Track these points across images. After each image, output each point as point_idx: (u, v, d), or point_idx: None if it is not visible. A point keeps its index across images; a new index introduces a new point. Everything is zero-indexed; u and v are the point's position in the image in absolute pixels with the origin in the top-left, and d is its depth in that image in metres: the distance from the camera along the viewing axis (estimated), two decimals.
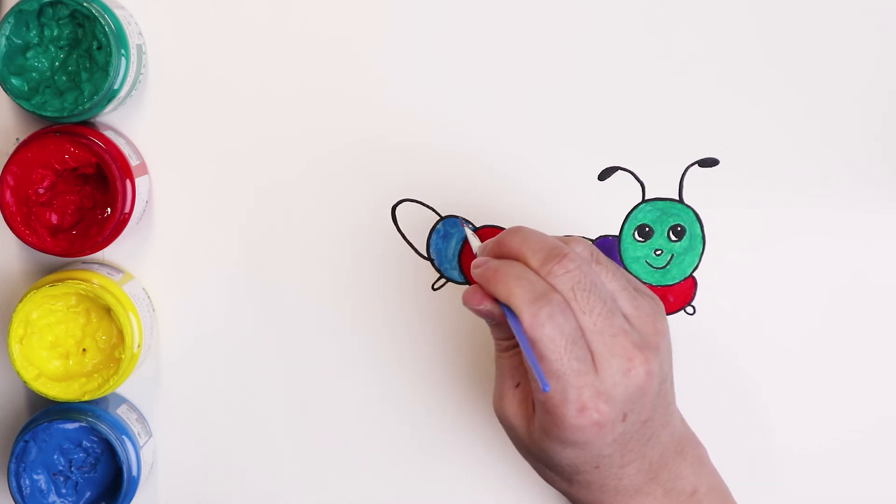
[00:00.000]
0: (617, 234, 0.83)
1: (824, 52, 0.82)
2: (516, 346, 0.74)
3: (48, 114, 0.77)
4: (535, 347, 0.69)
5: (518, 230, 0.73)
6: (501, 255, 0.73)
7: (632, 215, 0.83)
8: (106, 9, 0.77)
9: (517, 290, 0.70)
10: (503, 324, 0.73)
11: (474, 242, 0.78)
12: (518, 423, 0.73)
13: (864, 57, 0.82)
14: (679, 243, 0.83)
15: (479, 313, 0.73)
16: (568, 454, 0.72)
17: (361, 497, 0.85)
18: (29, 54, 0.78)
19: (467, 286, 0.83)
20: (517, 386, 0.74)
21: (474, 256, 0.83)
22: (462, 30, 0.82)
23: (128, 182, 0.79)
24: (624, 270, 0.74)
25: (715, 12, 0.81)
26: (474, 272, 0.73)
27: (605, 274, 0.72)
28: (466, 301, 0.73)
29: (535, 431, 0.72)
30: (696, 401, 0.83)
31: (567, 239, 0.73)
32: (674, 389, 0.75)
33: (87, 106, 0.77)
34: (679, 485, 0.75)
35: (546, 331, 0.69)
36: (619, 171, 0.83)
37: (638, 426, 0.72)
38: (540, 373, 0.68)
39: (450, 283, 0.83)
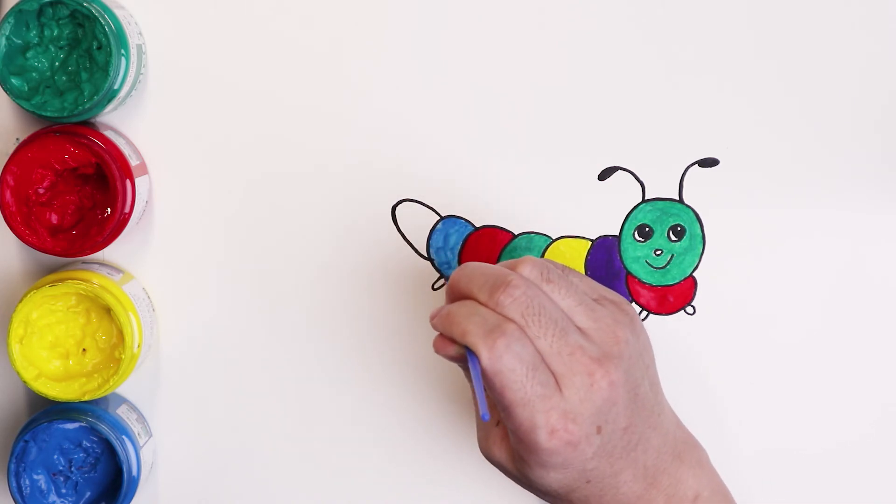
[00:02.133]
0: (617, 234, 0.83)
1: (824, 53, 0.82)
2: None
3: (48, 114, 0.77)
4: (497, 379, 0.70)
5: (463, 268, 0.73)
6: (454, 295, 0.73)
7: (632, 215, 0.83)
8: (106, 9, 0.77)
9: (470, 327, 0.71)
10: (470, 367, 0.73)
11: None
12: (504, 459, 0.74)
13: (863, 57, 0.82)
14: (679, 243, 0.83)
15: (452, 359, 0.73)
16: (554, 477, 0.72)
17: (361, 497, 0.85)
18: (29, 54, 0.78)
19: None
20: (497, 424, 0.74)
21: (474, 256, 0.83)
22: (462, 30, 0.82)
23: (128, 182, 0.79)
24: (584, 278, 0.74)
25: (715, 13, 0.81)
26: (432, 322, 0.73)
27: (558, 291, 0.72)
28: (437, 349, 0.73)
29: (518, 465, 0.73)
30: (695, 400, 0.83)
31: (515, 263, 0.73)
32: (659, 393, 0.74)
33: (87, 106, 0.77)
34: (681, 490, 0.74)
35: (505, 362, 0.70)
36: (619, 171, 0.83)
37: (619, 434, 0.72)
38: (483, 401, 0.69)
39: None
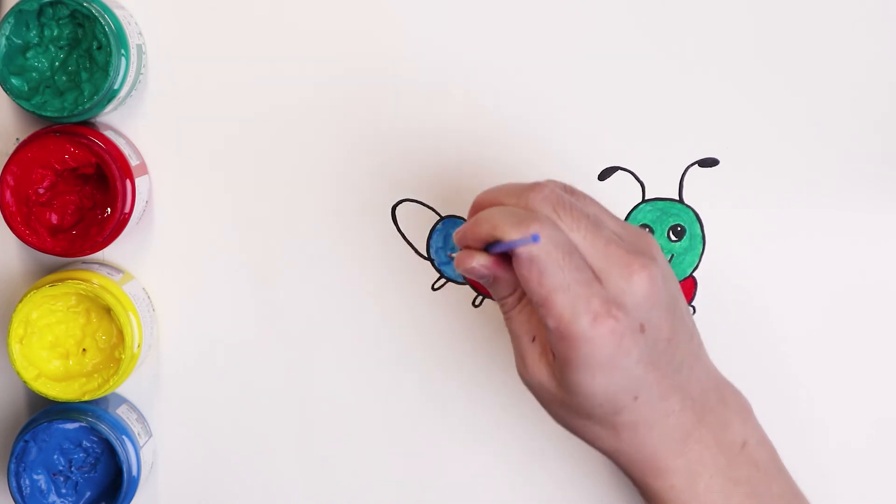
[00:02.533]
0: None
1: (824, 52, 0.82)
2: (522, 298, 0.72)
3: (48, 114, 0.77)
4: (534, 266, 0.67)
5: (486, 190, 0.72)
6: (478, 208, 0.72)
7: (632, 215, 0.83)
8: (106, 9, 0.77)
9: (500, 220, 0.68)
10: (502, 278, 0.71)
11: None
12: (544, 377, 0.71)
13: (863, 56, 0.82)
14: (679, 243, 0.83)
15: (474, 272, 0.70)
16: (600, 383, 0.69)
17: (362, 497, 0.85)
18: (29, 54, 0.78)
19: (467, 286, 0.83)
20: (533, 340, 0.71)
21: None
22: (462, 30, 0.82)
23: (128, 182, 0.79)
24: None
25: (715, 12, 0.81)
26: (456, 237, 0.71)
27: (583, 199, 0.71)
28: (459, 264, 0.71)
29: (561, 374, 0.70)
30: None
31: (536, 182, 0.71)
32: (694, 325, 0.73)
33: (87, 106, 0.77)
34: (729, 434, 0.72)
35: (541, 244, 0.67)
36: (619, 171, 0.83)
37: (662, 344, 0.70)
38: (520, 241, 0.66)
39: (450, 283, 0.83)
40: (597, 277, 0.68)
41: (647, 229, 0.83)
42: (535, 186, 0.70)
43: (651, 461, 0.72)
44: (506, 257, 0.70)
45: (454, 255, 0.80)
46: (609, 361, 0.68)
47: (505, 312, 0.73)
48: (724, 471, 0.72)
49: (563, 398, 0.71)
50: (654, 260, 0.70)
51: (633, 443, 0.72)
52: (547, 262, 0.67)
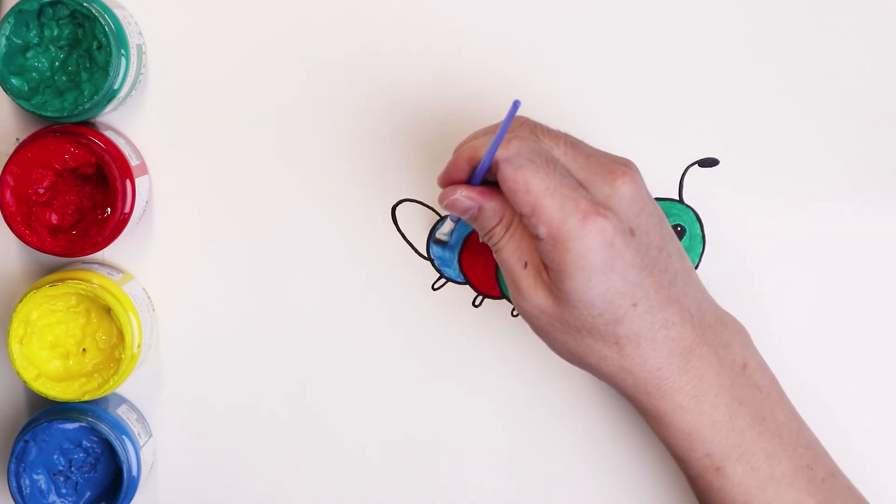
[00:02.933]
0: None
1: (824, 52, 0.82)
2: (510, 226, 0.72)
3: (48, 114, 0.77)
4: (519, 175, 0.69)
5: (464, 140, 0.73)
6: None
7: None
8: (106, 9, 0.77)
9: (479, 144, 0.70)
10: (487, 206, 0.71)
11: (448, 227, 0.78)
12: (541, 299, 0.71)
13: (864, 56, 0.82)
14: None
15: (458, 205, 0.71)
16: (596, 287, 0.69)
17: (362, 497, 0.85)
18: (29, 54, 0.78)
19: (467, 286, 0.83)
20: (525, 266, 0.72)
21: (474, 256, 0.83)
22: (462, 30, 0.82)
23: (128, 182, 0.79)
24: None
25: (715, 12, 0.81)
26: (439, 178, 0.73)
27: (555, 131, 0.73)
28: (443, 199, 0.72)
29: (557, 287, 0.70)
30: None
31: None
32: (682, 249, 0.74)
33: (87, 106, 0.77)
34: (729, 354, 0.73)
35: (523, 152, 0.69)
36: None
37: (654, 252, 0.71)
38: (500, 136, 0.68)
39: (450, 283, 0.83)
40: (581, 185, 0.70)
41: None
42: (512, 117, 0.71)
43: (656, 378, 0.72)
44: (489, 187, 0.71)
45: (440, 234, 0.80)
46: (603, 263, 0.69)
47: (494, 244, 0.73)
48: (728, 390, 0.73)
49: (562, 316, 0.71)
50: (634, 171, 0.71)
51: (637, 359, 0.72)
52: (531, 169, 0.68)
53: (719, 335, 0.73)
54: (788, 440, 0.74)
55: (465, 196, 0.71)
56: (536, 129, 0.71)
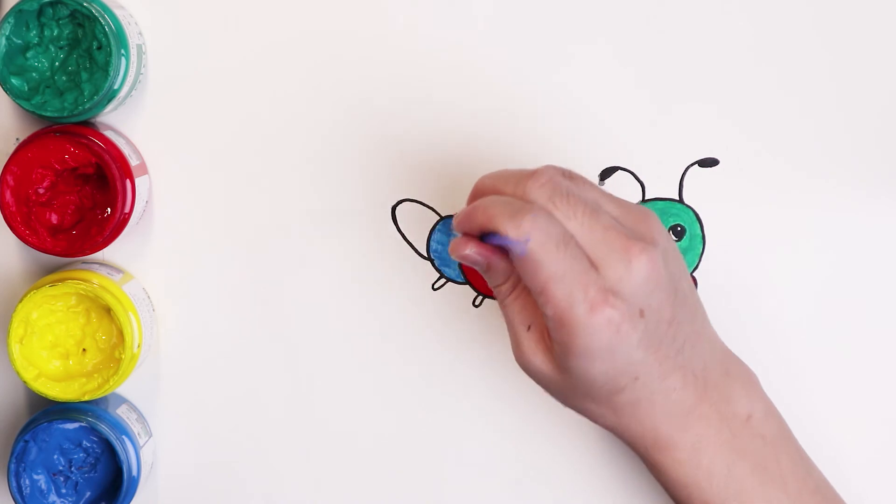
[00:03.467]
0: None
1: (825, 52, 0.82)
2: (517, 286, 0.72)
3: (48, 114, 0.77)
4: (528, 260, 0.68)
5: (487, 174, 0.72)
6: (476, 195, 0.72)
7: None
8: (106, 9, 0.77)
9: (496, 211, 0.69)
10: (496, 265, 0.71)
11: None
12: (542, 363, 0.71)
13: (864, 55, 0.82)
14: (679, 243, 0.83)
15: (468, 259, 0.71)
16: (599, 368, 0.69)
17: (361, 497, 0.84)
18: (29, 54, 0.78)
19: (467, 286, 0.83)
20: (529, 328, 0.72)
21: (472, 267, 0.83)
22: (462, 30, 0.82)
23: (128, 182, 0.79)
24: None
25: (715, 12, 0.81)
26: (455, 221, 0.71)
27: (583, 184, 0.71)
28: (454, 250, 0.71)
29: (560, 359, 0.70)
30: None
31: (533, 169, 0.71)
32: (700, 302, 0.73)
33: (87, 106, 0.77)
34: (732, 408, 0.73)
35: (535, 237, 0.67)
36: (619, 171, 0.83)
37: (664, 327, 0.70)
38: (512, 242, 0.67)
39: (450, 283, 0.83)
40: (594, 265, 0.68)
41: None
42: (532, 174, 0.70)
43: (653, 436, 0.72)
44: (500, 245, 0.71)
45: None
46: (608, 348, 0.69)
47: (500, 300, 0.73)
48: (728, 443, 0.72)
49: (562, 381, 0.71)
50: (654, 243, 0.70)
51: (634, 419, 0.72)
52: (542, 254, 0.68)
53: (724, 390, 0.73)
54: (794, 487, 0.74)
55: (475, 252, 0.71)
56: (555, 196, 0.69)
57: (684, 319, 0.71)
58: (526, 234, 0.67)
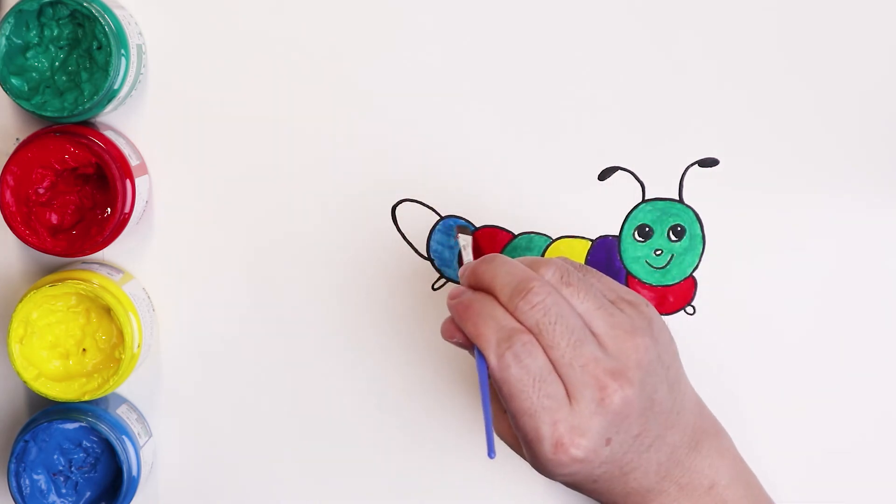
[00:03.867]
0: (617, 234, 0.83)
1: (825, 51, 0.82)
2: None
3: (48, 114, 0.77)
4: (504, 387, 0.70)
5: (491, 260, 0.73)
6: (475, 285, 0.73)
7: (632, 215, 0.83)
8: (106, 9, 0.77)
9: (483, 330, 0.71)
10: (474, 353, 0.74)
11: (467, 257, 0.78)
12: (513, 443, 0.74)
13: (865, 55, 0.82)
14: (679, 243, 0.83)
15: (455, 343, 0.74)
16: (560, 480, 0.72)
17: (361, 497, 0.84)
18: (29, 54, 0.78)
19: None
20: (504, 412, 0.74)
21: (474, 258, 0.83)
22: (462, 30, 0.82)
23: (128, 182, 0.79)
24: (602, 277, 0.74)
25: (715, 11, 0.81)
26: (449, 303, 0.74)
27: (577, 296, 0.72)
28: (443, 333, 0.74)
29: (526, 457, 0.73)
30: None
31: (538, 262, 0.73)
32: (680, 390, 0.74)
33: (87, 106, 0.77)
34: (695, 479, 0.74)
35: (512, 372, 0.70)
36: (619, 171, 0.83)
37: (629, 441, 0.72)
38: (490, 435, 0.70)
39: (450, 283, 0.83)
40: (569, 395, 0.70)
41: (648, 230, 0.83)
42: (526, 291, 0.71)
43: None
44: None
45: (466, 249, 0.80)
46: (569, 473, 0.71)
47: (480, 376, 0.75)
48: None
49: (529, 463, 0.74)
50: (636, 369, 0.71)
51: (596, 497, 0.74)
52: (516, 387, 0.70)
53: (688, 466, 0.75)
54: None
55: (459, 342, 0.74)
56: (543, 321, 0.71)
57: (654, 425, 0.73)
58: (506, 366, 0.70)
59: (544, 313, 0.71)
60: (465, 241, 0.80)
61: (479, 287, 0.73)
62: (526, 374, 0.70)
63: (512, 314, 0.71)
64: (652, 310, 0.74)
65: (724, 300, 0.83)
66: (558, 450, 0.70)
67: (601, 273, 0.75)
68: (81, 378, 0.80)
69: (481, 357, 0.71)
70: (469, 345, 0.73)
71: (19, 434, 0.80)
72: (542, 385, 0.70)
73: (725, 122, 0.82)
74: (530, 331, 0.71)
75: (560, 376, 0.70)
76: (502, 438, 0.74)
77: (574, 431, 0.70)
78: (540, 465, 0.71)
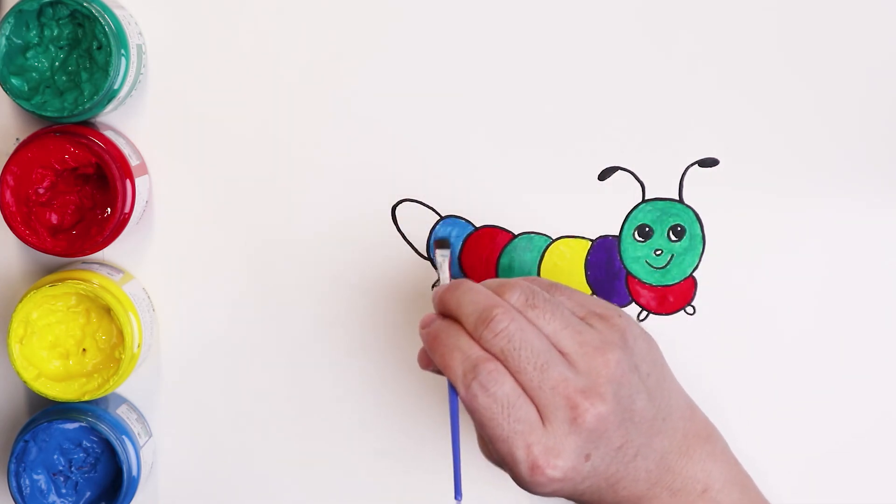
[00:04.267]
0: (617, 234, 0.83)
1: (826, 51, 0.82)
2: None
3: (48, 114, 0.77)
4: (475, 416, 0.71)
5: (456, 287, 0.73)
6: (443, 312, 0.74)
7: (632, 215, 0.83)
8: (106, 9, 0.77)
9: (450, 362, 0.72)
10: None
11: (443, 276, 0.79)
12: (499, 463, 0.74)
13: (866, 55, 0.82)
14: (679, 243, 0.83)
15: (433, 372, 0.74)
16: (545, 496, 0.73)
17: (361, 496, 0.84)
18: (29, 54, 0.78)
19: None
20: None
21: (474, 256, 0.83)
22: (462, 30, 0.82)
23: (128, 182, 0.79)
24: (573, 294, 0.74)
25: (715, 11, 0.81)
26: (421, 332, 0.74)
27: (542, 317, 0.72)
28: (419, 363, 0.75)
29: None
30: (695, 400, 0.83)
31: (503, 285, 0.73)
32: (664, 397, 0.74)
33: (87, 106, 0.77)
34: (688, 484, 0.74)
35: (480, 401, 0.70)
36: (619, 171, 0.83)
37: (612, 454, 0.72)
38: (457, 478, 0.72)
39: (437, 254, 0.83)
40: (542, 418, 0.71)
41: (648, 230, 0.83)
42: (489, 319, 0.71)
43: None
44: None
45: (446, 268, 0.80)
46: (552, 491, 0.72)
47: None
48: None
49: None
50: (607, 385, 0.71)
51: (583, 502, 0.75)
52: (486, 415, 0.71)
53: (679, 471, 0.75)
54: None
55: (431, 370, 0.74)
56: (508, 348, 0.71)
57: (637, 435, 0.73)
58: (473, 396, 0.70)
59: (508, 340, 0.71)
60: (442, 256, 0.80)
61: (447, 314, 0.73)
62: (494, 403, 0.70)
63: (477, 342, 0.72)
64: (626, 319, 0.74)
65: (724, 300, 0.83)
66: (535, 472, 0.70)
67: (571, 289, 0.75)
68: (81, 378, 0.80)
69: (452, 388, 0.72)
70: (438, 373, 0.74)
71: (19, 434, 0.80)
72: (512, 410, 0.70)
73: (725, 123, 0.82)
74: (496, 357, 0.71)
75: (531, 399, 0.71)
76: (489, 459, 0.74)
77: (549, 453, 0.70)
78: (521, 485, 0.72)
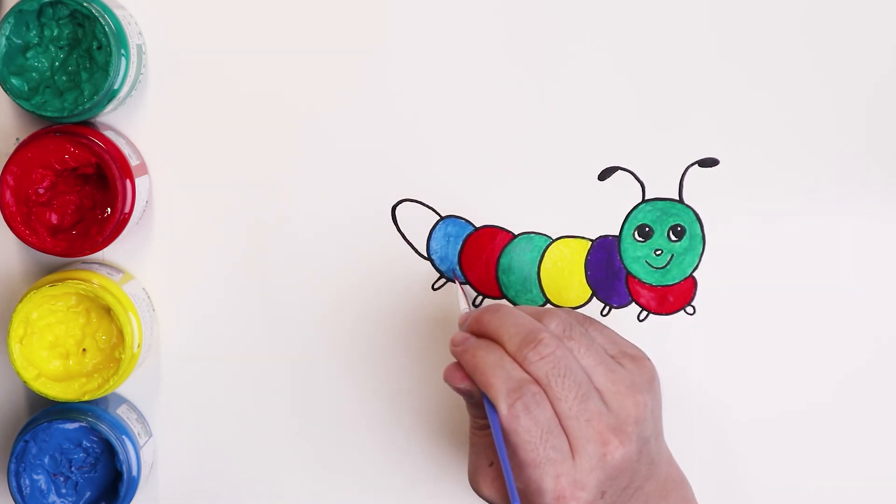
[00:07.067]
0: (617, 234, 0.83)
1: (826, 51, 0.82)
2: (487, 426, 0.74)
3: (48, 114, 0.77)
4: (512, 437, 0.70)
5: (496, 310, 0.73)
6: (479, 333, 0.74)
7: (632, 215, 0.83)
8: (106, 9, 0.77)
9: (494, 380, 0.71)
10: (481, 403, 0.74)
11: (462, 303, 0.79)
12: (493, 496, 0.74)
13: (867, 56, 0.82)
14: (679, 243, 0.83)
15: (459, 392, 0.74)
16: None
17: (362, 496, 0.85)
18: (29, 54, 0.78)
19: (467, 285, 0.83)
20: (491, 465, 0.74)
21: (474, 256, 0.83)
22: (461, 30, 0.82)
23: (128, 182, 0.79)
24: (604, 330, 0.75)
25: (715, 11, 0.81)
26: (454, 350, 0.74)
27: (578, 349, 0.72)
28: (447, 379, 0.74)
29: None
30: (695, 401, 0.83)
31: (542, 313, 0.73)
32: (660, 439, 0.75)
33: (87, 106, 0.77)
34: None
35: (522, 422, 0.70)
36: (619, 171, 0.83)
37: (618, 493, 0.72)
38: (512, 486, 0.70)
39: (450, 283, 0.83)
40: (571, 449, 0.71)
41: (648, 230, 0.83)
42: (536, 342, 0.71)
43: None
44: None
45: (461, 292, 0.80)
46: None
47: (472, 428, 0.76)
48: None
49: None
50: (636, 425, 0.72)
51: None
52: (524, 438, 0.70)
53: None
54: None
55: (466, 387, 0.74)
56: (553, 372, 0.71)
57: (639, 476, 0.73)
58: (516, 416, 0.70)
59: (553, 365, 0.71)
60: (454, 288, 0.81)
61: (484, 335, 0.73)
62: (535, 426, 0.70)
63: (520, 364, 0.71)
64: (651, 364, 0.74)
65: (724, 300, 0.83)
66: (559, 501, 0.70)
67: (603, 325, 0.75)
68: (81, 378, 0.80)
69: (492, 407, 0.71)
70: (469, 392, 0.73)
71: (19, 434, 0.80)
72: (549, 437, 0.70)
73: (725, 122, 0.82)
74: (538, 382, 0.71)
75: (564, 429, 0.71)
76: (478, 490, 0.74)
77: (576, 486, 0.71)
78: None
